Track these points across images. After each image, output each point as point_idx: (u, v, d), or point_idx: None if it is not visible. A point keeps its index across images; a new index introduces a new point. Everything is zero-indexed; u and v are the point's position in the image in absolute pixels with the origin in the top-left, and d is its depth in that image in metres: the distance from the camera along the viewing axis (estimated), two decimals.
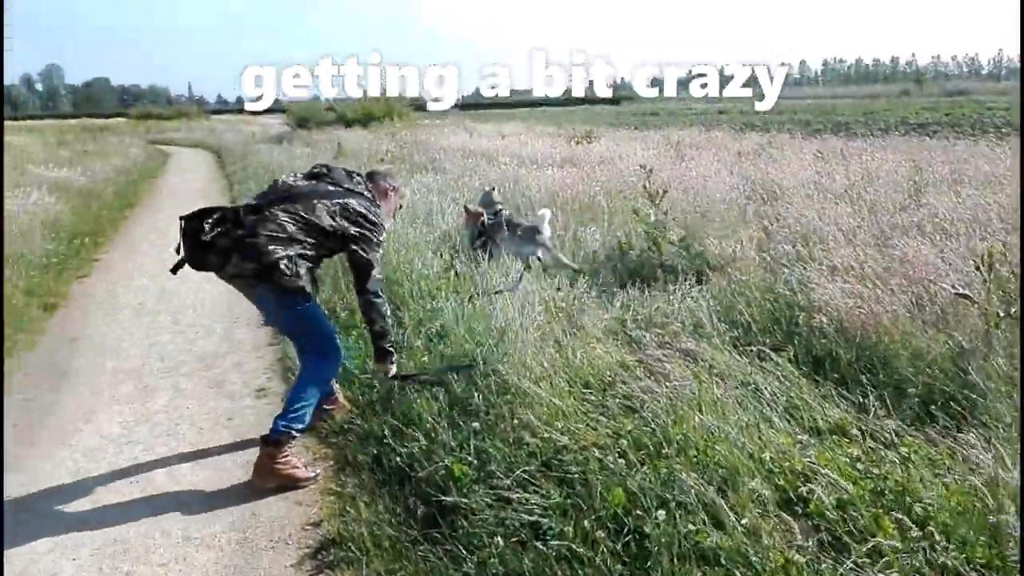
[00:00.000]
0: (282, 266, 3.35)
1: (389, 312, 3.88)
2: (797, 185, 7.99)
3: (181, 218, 3.41)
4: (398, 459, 3.34)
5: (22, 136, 27.38)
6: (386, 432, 3.56)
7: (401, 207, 4.27)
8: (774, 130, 21.47)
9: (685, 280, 5.41)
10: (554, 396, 3.35)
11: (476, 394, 3.58)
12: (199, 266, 3.42)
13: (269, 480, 3.40)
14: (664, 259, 5.86)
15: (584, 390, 3.50)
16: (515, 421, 3.28)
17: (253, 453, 3.60)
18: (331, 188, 3.64)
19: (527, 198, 8.47)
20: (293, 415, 3.44)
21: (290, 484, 3.41)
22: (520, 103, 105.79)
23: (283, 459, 3.42)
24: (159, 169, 20.27)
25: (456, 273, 5.56)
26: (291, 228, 3.42)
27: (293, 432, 3.43)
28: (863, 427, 3.18)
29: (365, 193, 3.75)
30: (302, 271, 3.44)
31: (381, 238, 3.71)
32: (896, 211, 6.43)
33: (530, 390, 3.40)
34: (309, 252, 3.49)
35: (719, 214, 6.28)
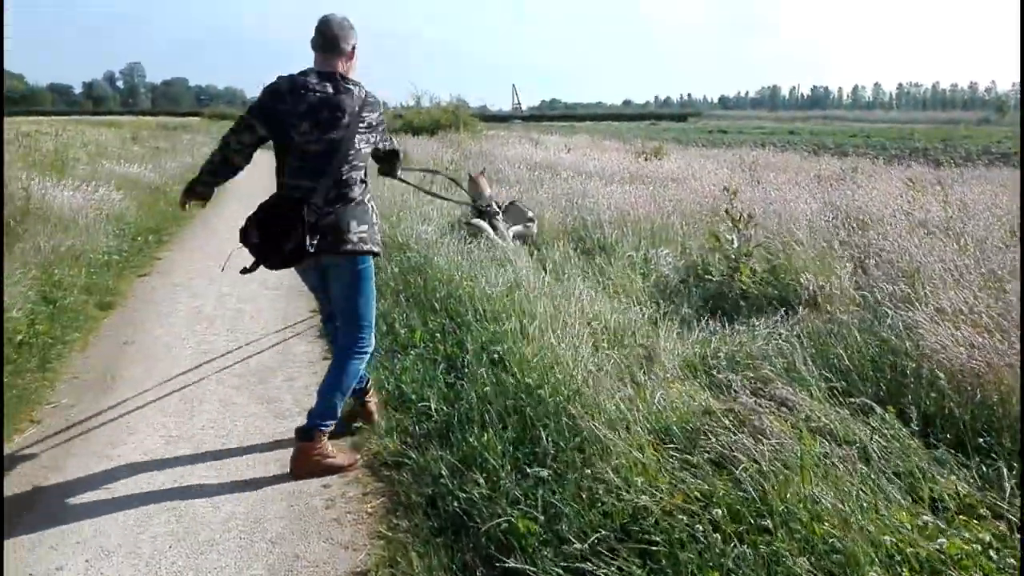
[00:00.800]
0: (363, 232, 3.52)
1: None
2: (887, 215, 7.44)
3: (251, 223, 3.47)
4: (456, 504, 3.01)
5: (100, 130, 28.19)
6: (443, 471, 3.24)
7: None
8: (851, 153, 20.70)
9: (771, 314, 4.99)
10: (632, 446, 2.98)
11: (544, 435, 3.24)
12: (282, 264, 3.52)
13: (308, 472, 3.48)
14: (747, 288, 5.43)
15: (665, 439, 3.13)
16: (587, 472, 2.92)
17: (299, 484, 3.35)
18: (339, 114, 3.46)
19: (595, 215, 8.10)
20: (326, 407, 3.53)
21: (331, 473, 3.49)
22: (586, 116, 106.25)
23: (319, 451, 3.50)
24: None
25: (524, 294, 5.23)
26: (353, 176, 3.53)
27: (325, 426, 3.52)
28: (991, 504, 2.74)
29: (350, 87, 3.52)
30: (375, 219, 3.67)
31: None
32: (1004, 249, 5.86)
33: (605, 437, 3.04)
34: (365, 184, 3.63)
35: (806, 242, 5.80)
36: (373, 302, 3.73)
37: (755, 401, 3.30)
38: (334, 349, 3.84)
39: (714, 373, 4.03)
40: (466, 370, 4.18)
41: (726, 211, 6.15)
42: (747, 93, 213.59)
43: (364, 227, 3.54)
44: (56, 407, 4.28)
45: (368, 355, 3.73)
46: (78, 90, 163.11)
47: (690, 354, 4.29)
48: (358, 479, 3.49)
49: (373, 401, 4.06)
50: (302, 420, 3.64)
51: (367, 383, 4.01)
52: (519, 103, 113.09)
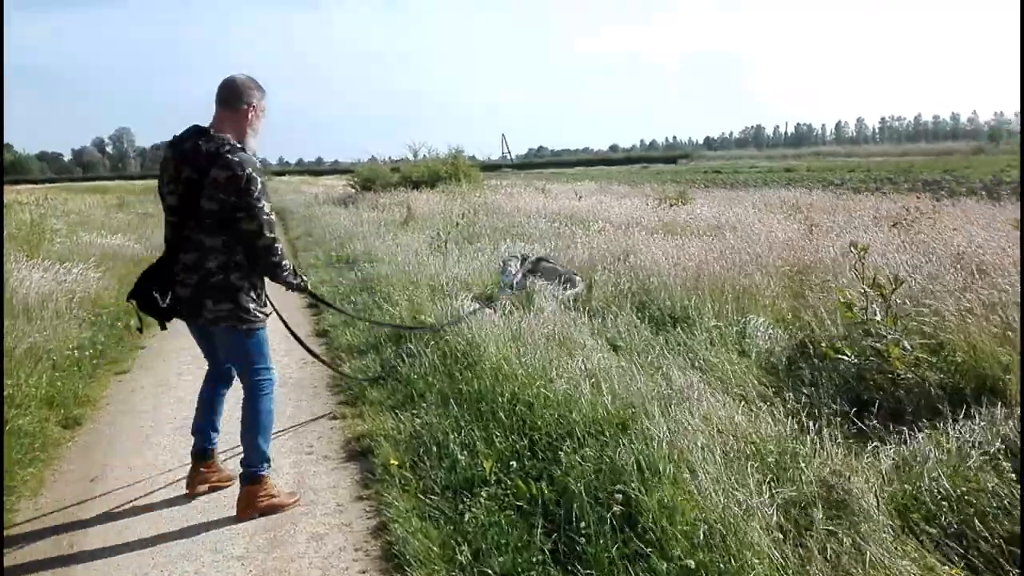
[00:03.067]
0: (221, 312, 3.49)
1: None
2: (1010, 263, 6.23)
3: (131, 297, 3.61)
4: None
5: (85, 197, 27.10)
6: None
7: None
8: (871, 189, 19.62)
9: (949, 409, 3.75)
10: None
11: None
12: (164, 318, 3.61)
13: (252, 513, 3.61)
14: (902, 374, 4.16)
15: None
16: None
17: None
18: (185, 168, 3.43)
19: (658, 278, 6.86)
20: (252, 453, 3.64)
21: (273, 511, 3.63)
22: (575, 162, 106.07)
23: (264, 492, 3.64)
24: None
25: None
26: (206, 243, 3.43)
27: (261, 470, 3.65)
28: None
29: (210, 143, 3.40)
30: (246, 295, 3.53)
31: (257, 180, 3.39)
32: None
33: None
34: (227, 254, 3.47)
35: (978, 311, 4.56)
36: (257, 353, 3.64)
37: None
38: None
39: (939, 522, 2.77)
40: (581, 535, 2.88)
41: (855, 272, 4.92)
42: (731, 133, 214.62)
43: (224, 306, 3.46)
44: None
45: (270, 390, 3.70)
46: (68, 157, 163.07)
47: (891, 489, 3.02)
48: None
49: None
50: None
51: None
52: (508, 151, 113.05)
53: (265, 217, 3.41)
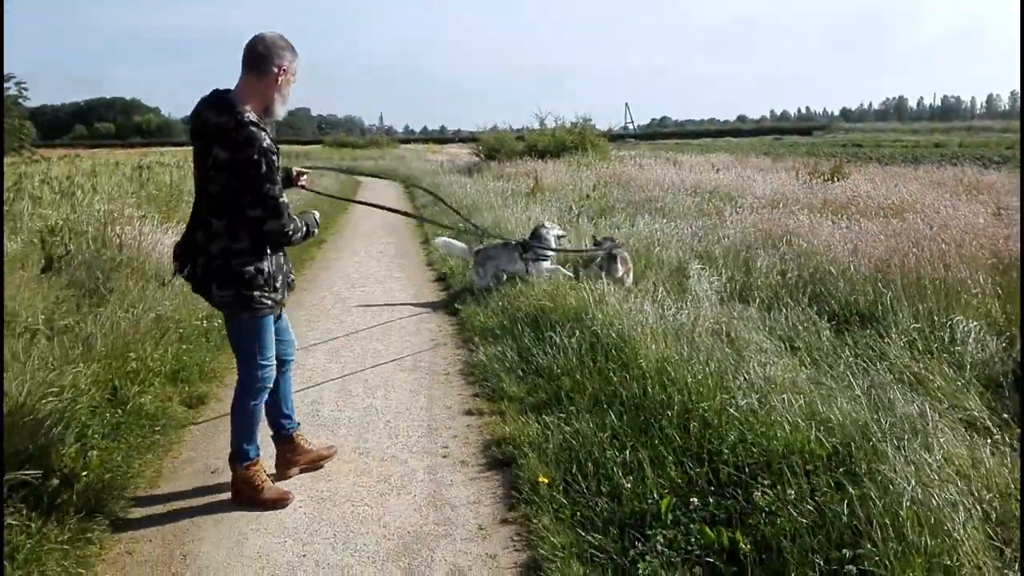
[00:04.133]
0: (225, 296, 3.26)
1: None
2: None
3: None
4: None
5: None
6: None
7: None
8: None
9: None
10: None
11: None
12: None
13: (242, 502, 3.46)
14: None
15: None
16: None
17: None
18: (200, 143, 3.16)
19: (834, 266, 5.95)
20: (236, 446, 3.46)
21: (260, 507, 3.43)
22: (701, 133, 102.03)
23: (246, 486, 3.45)
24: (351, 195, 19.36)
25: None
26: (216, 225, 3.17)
27: (241, 462, 3.44)
28: None
29: (224, 114, 3.07)
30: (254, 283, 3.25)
31: (264, 162, 3.05)
32: None
33: None
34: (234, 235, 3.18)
35: None
36: (258, 343, 3.37)
37: None
38: None
39: None
40: None
41: None
42: (871, 105, 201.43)
43: (227, 292, 3.24)
44: None
45: (259, 394, 3.47)
46: None
47: None
48: None
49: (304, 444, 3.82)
50: None
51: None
52: (632, 121, 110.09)
53: (271, 202, 3.10)
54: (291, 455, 3.75)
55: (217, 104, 3.11)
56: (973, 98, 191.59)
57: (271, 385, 3.51)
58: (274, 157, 3.09)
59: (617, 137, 69.53)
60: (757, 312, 5.31)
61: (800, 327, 4.91)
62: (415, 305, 7.32)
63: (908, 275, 5.41)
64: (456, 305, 6.97)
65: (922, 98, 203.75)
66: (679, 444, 3.35)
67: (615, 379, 4.13)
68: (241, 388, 3.44)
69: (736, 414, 3.38)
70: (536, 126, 27.82)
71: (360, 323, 6.62)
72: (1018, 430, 3.26)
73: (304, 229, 3.35)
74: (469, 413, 4.45)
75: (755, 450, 3.12)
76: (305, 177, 3.72)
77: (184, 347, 5.39)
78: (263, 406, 3.54)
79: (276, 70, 3.15)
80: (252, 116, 3.06)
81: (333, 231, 13.11)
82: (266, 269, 3.25)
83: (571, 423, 3.81)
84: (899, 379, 3.99)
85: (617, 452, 3.38)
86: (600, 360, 4.45)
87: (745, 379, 3.82)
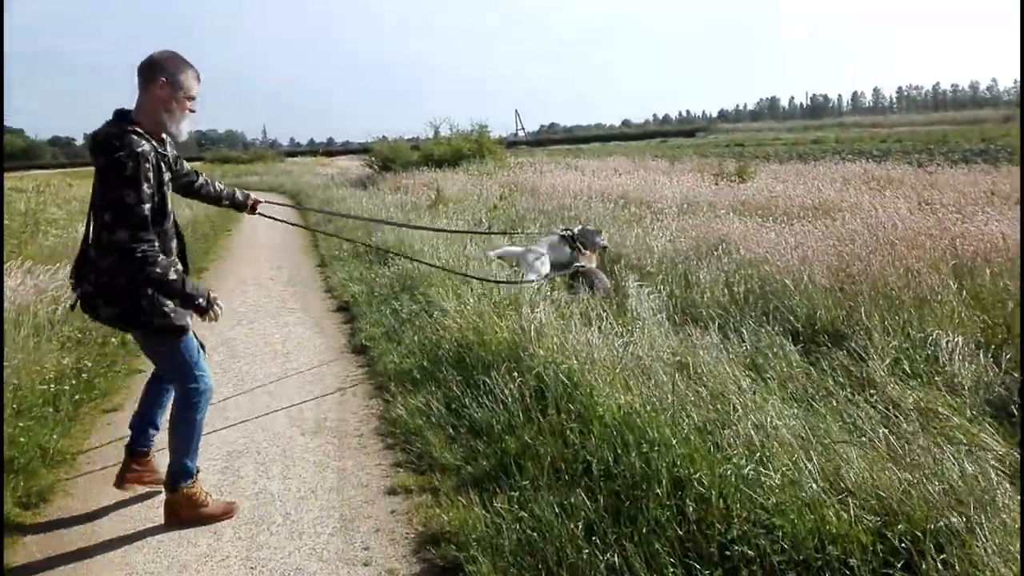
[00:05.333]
0: (112, 313, 3.16)
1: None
2: None
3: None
4: None
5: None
6: None
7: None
8: (934, 162, 17.89)
9: None
10: None
11: None
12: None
13: (176, 522, 3.36)
14: None
15: None
16: None
17: None
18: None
19: (786, 277, 5.40)
20: (178, 470, 3.35)
21: (204, 521, 3.35)
22: (589, 137, 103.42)
23: (188, 504, 3.36)
24: (235, 219, 17.84)
25: None
26: (103, 238, 3.01)
27: (185, 483, 3.36)
28: None
29: (112, 128, 3.01)
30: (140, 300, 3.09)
31: (129, 165, 2.89)
32: None
33: None
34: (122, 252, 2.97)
35: None
36: (180, 358, 3.26)
37: None
38: None
39: None
40: None
41: None
42: (745, 105, 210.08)
43: (112, 310, 3.12)
44: None
45: (199, 407, 3.35)
46: (80, 142, 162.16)
47: None
48: None
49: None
50: None
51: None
52: (522, 127, 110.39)
53: (122, 207, 2.90)
54: (140, 470, 3.60)
55: (111, 119, 3.06)
56: (839, 95, 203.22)
57: (211, 394, 3.43)
58: (147, 164, 2.93)
59: (510, 144, 69.41)
60: (716, 337, 4.66)
61: (769, 352, 4.29)
62: (315, 344, 6.33)
63: (875, 285, 4.89)
64: (363, 340, 6.05)
65: (792, 97, 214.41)
66: (675, 533, 2.60)
67: (574, 440, 3.35)
68: (183, 404, 3.34)
69: (744, 487, 2.66)
70: (431, 134, 26.99)
71: (249, 373, 5.58)
72: None
73: (176, 279, 3.04)
74: (392, 492, 3.56)
75: (780, 539, 2.41)
76: (260, 205, 3.99)
77: (21, 425, 4.25)
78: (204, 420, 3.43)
79: (161, 79, 3.06)
80: (135, 127, 2.99)
81: (214, 256, 11.83)
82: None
83: (528, 507, 2.99)
84: (903, 414, 3.40)
85: (598, 553, 2.59)
86: (551, 412, 3.66)
87: (733, 432, 3.12)
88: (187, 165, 3.63)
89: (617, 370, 3.92)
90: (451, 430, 3.97)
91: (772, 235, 6.57)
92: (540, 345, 4.39)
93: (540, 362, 4.16)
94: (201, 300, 3.13)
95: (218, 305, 3.22)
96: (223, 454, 4.13)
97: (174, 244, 3.27)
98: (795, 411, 3.43)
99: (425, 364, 4.96)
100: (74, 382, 5.13)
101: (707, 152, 35.16)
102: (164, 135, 3.15)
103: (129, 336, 6.25)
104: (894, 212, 7.02)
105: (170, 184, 3.24)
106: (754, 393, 3.56)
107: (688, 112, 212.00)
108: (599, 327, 4.75)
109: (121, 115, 3.07)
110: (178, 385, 3.35)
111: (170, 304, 3.12)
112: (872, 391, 3.77)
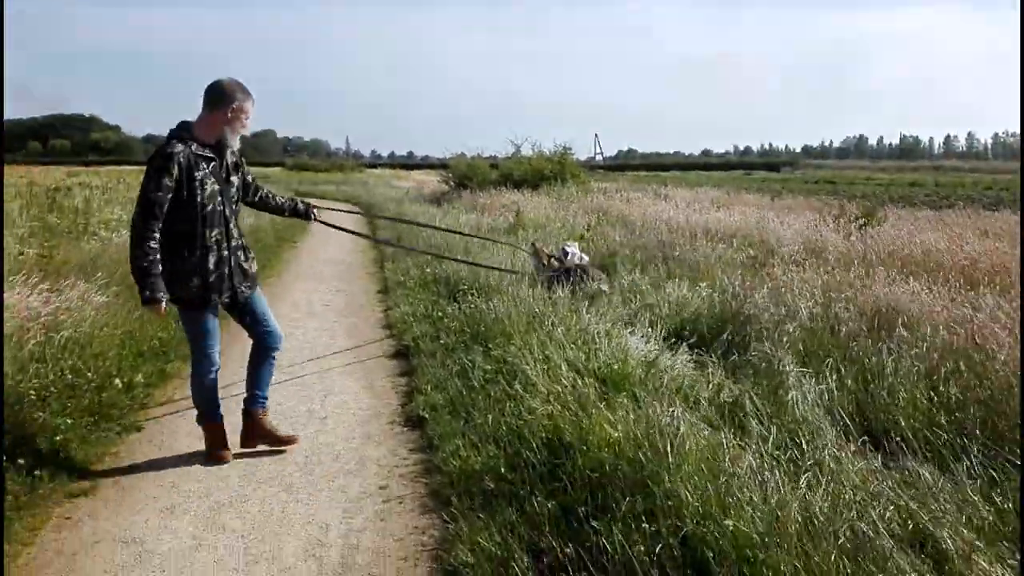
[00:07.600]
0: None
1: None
2: None
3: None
4: None
5: None
6: None
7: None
8: None
9: None
10: None
11: None
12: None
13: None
14: None
15: None
16: None
17: None
18: None
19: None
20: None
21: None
22: (670, 165, 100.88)
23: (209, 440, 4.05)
24: (301, 230, 16.88)
25: None
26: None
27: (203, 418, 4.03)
28: None
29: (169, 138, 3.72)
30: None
31: (156, 162, 3.58)
32: None
33: None
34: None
35: None
36: (188, 333, 3.95)
37: None
38: None
39: None
40: None
41: None
42: (831, 143, 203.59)
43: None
44: None
45: (199, 375, 3.93)
46: None
47: None
48: None
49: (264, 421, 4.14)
50: None
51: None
52: (601, 151, 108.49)
53: (140, 195, 3.58)
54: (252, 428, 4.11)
55: (173, 128, 3.71)
56: (931, 138, 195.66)
57: (212, 371, 3.95)
58: (173, 164, 3.55)
59: (588, 167, 67.95)
60: (932, 475, 3.09)
61: None
62: (360, 407, 4.99)
63: None
64: (420, 409, 4.68)
65: (882, 137, 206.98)
66: None
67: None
68: (192, 368, 4.00)
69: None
70: (510, 152, 25.74)
71: (266, 455, 4.24)
72: None
73: (144, 265, 3.58)
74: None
75: None
76: (315, 210, 4.54)
77: None
78: (208, 386, 3.97)
79: (228, 107, 3.72)
80: (186, 135, 3.67)
81: (271, 272, 10.71)
82: (170, 263, 3.66)
83: None
84: None
85: None
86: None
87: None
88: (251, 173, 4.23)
89: (806, 530, 2.42)
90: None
91: (967, 309, 4.92)
92: (679, 474, 2.91)
93: (685, 507, 2.69)
94: (146, 293, 3.60)
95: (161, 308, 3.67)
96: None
97: (214, 232, 3.75)
98: None
99: (502, 469, 3.53)
100: (60, 435, 3.91)
101: (795, 188, 33.02)
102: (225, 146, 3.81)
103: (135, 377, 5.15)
104: None
105: (216, 182, 3.76)
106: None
107: (771, 145, 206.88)
108: (760, 436, 3.25)
109: (181, 126, 3.71)
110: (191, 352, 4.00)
111: (181, 287, 3.73)
112: None
